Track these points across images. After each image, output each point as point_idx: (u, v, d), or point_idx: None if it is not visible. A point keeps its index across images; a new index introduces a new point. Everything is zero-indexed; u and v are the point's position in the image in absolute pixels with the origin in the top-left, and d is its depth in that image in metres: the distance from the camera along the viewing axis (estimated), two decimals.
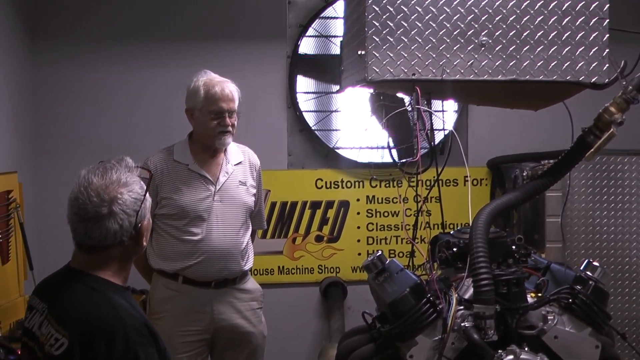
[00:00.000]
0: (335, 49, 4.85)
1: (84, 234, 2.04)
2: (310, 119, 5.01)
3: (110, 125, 4.84)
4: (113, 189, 2.05)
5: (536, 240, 4.22)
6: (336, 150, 5.04)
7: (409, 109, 3.36)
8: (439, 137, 4.35)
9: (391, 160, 4.41)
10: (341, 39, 3.04)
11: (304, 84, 5.00)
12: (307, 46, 4.96)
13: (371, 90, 4.17)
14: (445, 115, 4.80)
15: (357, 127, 5.01)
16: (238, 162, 3.55)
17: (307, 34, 4.93)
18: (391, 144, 3.51)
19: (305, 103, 4.98)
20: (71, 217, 2.06)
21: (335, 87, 4.93)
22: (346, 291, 5.04)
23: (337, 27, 4.89)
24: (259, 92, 4.85)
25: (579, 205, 4.15)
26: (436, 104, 3.53)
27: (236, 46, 4.91)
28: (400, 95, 4.43)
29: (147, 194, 2.13)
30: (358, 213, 5.10)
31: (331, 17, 4.93)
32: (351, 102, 4.95)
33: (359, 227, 5.11)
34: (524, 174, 4.26)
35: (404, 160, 4.38)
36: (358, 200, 5.10)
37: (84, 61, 4.81)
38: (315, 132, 5.01)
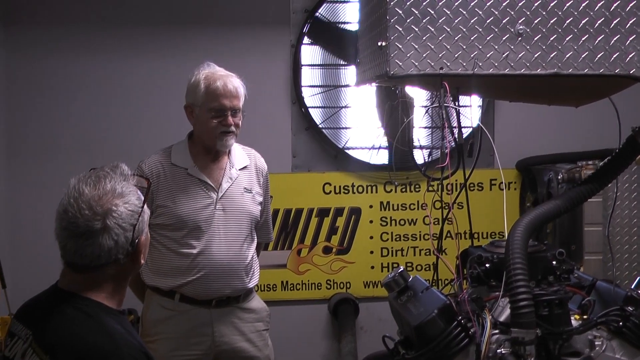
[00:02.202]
0: None
1: (75, 251, 2.01)
2: (318, 115, 5.01)
3: (94, 123, 4.84)
4: (107, 200, 2.02)
5: (573, 252, 4.20)
6: (346, 151, 5.04)
7: (434, 105, 3.34)
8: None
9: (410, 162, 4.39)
10: (356, 27, 3.02)
11: (310, 76, 4.99)
12: (313, 35, 4.93)
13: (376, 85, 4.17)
14: (469, 111, 4.77)
15: (370, 125, 4.98)
16: (243, 166, 3.52)
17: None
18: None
19: (312, 98, 4.98)
20: (60, 232, 2.03)
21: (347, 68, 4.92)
22: (358, 309, 5.03)
23: (348, 12, 4.88)
24: (260, 86, 4.78)
25: (622, 213, 4.13)
26: (461, 99, 3.50)
27: (234, 34, 4.92)
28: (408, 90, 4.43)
29: (145, 206, 2.10)
30: (371, 221, 5.09)
31: (341, 1, 4.92)
32: (363, 97, 4.94)
33: (371, 237, 5.10)
34: (559, 176, 4.24)
35: (423, 162, 4.36)
36: (371, 206, 5.08)
37: (63, 49, 4.81)
38: (323, 130, 5.01)
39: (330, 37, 4.93)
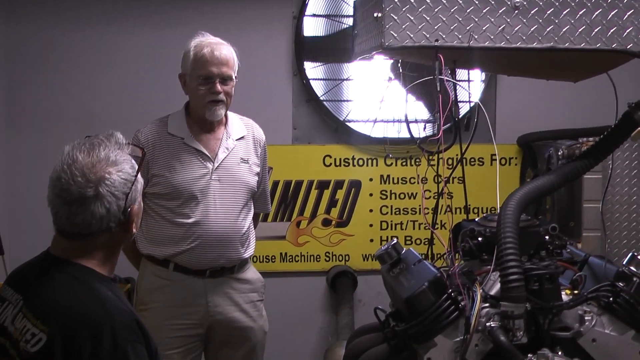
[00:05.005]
0: (349, 11, 4.82)
1: (67, 218, 2.02)
2: (319, 88, 4.99)
3: (91, 93, 4.84)
4: (100, 168, 2.02)
5: (572, 228, 4.19)
6: (347, 124, 5.02)
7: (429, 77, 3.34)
8: (463, 110, 4.32)
9: (408, 136, 4.37)
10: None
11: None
12: (315, 6, 4.90)
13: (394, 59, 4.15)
14: (471, 86, 4.74)
15: (371, 98, 4.97)
16: (240, 136, 3.51)
17: None
18: (409, 117, 3.47)
19: (313, 70, 4.95)
20: (52, 198, 2.03)
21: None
22: (356, 282, 5.05)
23: None
24: (261, 58, 4.82)
25: (621, 190, 4.11)
26: (461, 74, 3.49)
27: (235, 4, 4.87)
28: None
29: (139, 175, 2.11)
30: (371, 194, 5.10)
31: None
32: (364, 70, 4.92)
33: (371, 210, 5.11)
34: (559, 153, 4.23)
35: (421, 136, 4.35)
36: (371, 180, 5.08)
37: (61, 19, 4.78)
38: (324, 103, 4.99)
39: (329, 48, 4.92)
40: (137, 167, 2.11)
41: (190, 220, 3.37)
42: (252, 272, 3.61)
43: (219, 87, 3.33)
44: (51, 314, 2.00)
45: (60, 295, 2.03)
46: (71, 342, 1.94)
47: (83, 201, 2.00)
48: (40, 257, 2.17)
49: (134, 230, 2.16)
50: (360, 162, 5.05)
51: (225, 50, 3.38)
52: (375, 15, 2.41)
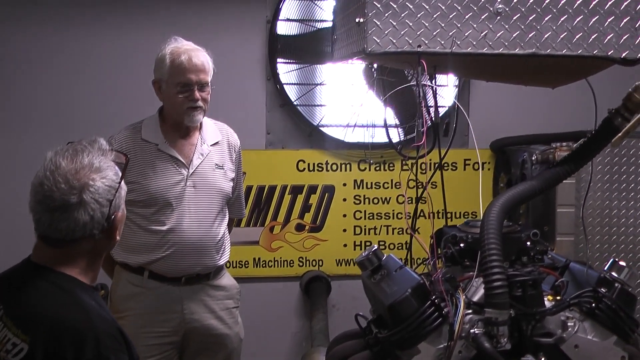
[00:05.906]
0: (322, 15, 4.81)
1: (49, 225, 2.00)
2: (292, 92, 4.97)
3: (64, 96, 4.76)
4: (84, 175, 2.01)
5: (546, 233, 4.22)
6: (321, 129, 5.01)
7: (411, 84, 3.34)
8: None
9: (385, 141, 4.39)
10: (333, 3, 2.99)
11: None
12: (289, 11, 4.89)
13: (367, 64, 4.14)
14: (444, 90, 4.76)
15: (345, 103, 4.96)
16: (215, 142, 3.49)
17: None
18: (389, 122, 3.47)
19: (287, 75, 4.93)
20: (34, 205, 2.01)
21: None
22: (330, 287, 5.04)
23: None
24: (234, 62, 4.78)
25: (594, 195, 4.14)
26: (438, 79, 3.49)
27: (208, 8, 4.85)
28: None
29: (123, 182, 2.09)
30: (344, 199, 5.09)
31: None
32: (338, 74, 4.91)
33: (345, 215, 5.10)
34: (533, 158, 4.24)
35: (400, 140, 4.35)
36: (344, 185, 5.08)
37: (33, 22, 4.71)
38: (298, 107, 4.97)
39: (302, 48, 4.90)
40: (120, 173, 2.10)
41: (164, 228, 3.34)
42: (227, 279, 3.59)
43: (197, 94, 3.31)
44: (33, 323, 1.98)
45: (42, 304, 2.01)
46: (53, 352, 1.92)
47: (66, 208, 1.98)
48: (22, 264, 2.14)
49: (117, 237, 2.14)
50: (334, 167, 5.04)
51: (202, 56, 3.35)
52: (357, 20, 2.40)
